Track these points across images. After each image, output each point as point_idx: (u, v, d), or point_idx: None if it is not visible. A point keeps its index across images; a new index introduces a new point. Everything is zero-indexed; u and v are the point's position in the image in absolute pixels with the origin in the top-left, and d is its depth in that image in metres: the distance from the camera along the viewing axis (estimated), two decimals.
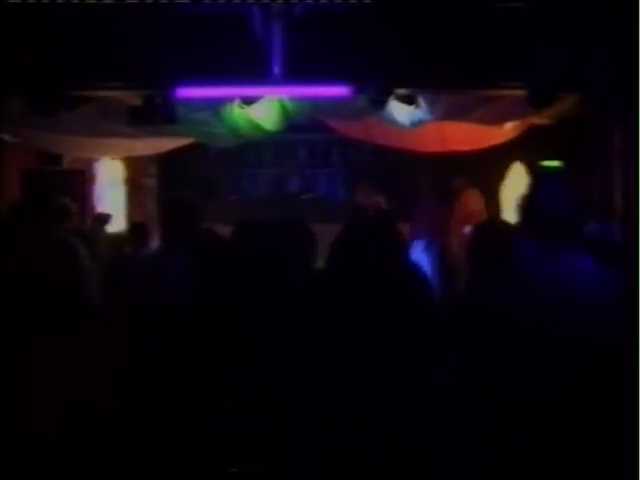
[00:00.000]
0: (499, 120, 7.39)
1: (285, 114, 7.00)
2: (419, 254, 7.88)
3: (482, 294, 3.07)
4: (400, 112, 6.97)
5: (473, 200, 8.30)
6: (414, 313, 2.55)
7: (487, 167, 8.36)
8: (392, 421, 2.16)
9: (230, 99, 6.81)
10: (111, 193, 8.90)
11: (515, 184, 8.36)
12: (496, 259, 3.13)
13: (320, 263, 4.07)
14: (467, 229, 8.19)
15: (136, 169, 9.39)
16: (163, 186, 9.83)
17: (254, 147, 9.66)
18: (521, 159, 8.38)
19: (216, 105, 6.90)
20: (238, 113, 6.94)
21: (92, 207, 8.30)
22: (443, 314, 3.00)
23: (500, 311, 2.90)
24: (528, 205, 3.63)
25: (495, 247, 3.15)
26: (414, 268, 4.05)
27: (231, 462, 2.65)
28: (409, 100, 6.78)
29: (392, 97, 6.66)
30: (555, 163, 7.74)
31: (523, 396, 2.68)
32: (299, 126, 7.73)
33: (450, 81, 6.47)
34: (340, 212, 9.44)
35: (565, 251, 3.27)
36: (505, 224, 3.67)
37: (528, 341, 2.82)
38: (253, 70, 6.26)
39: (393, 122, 7.14)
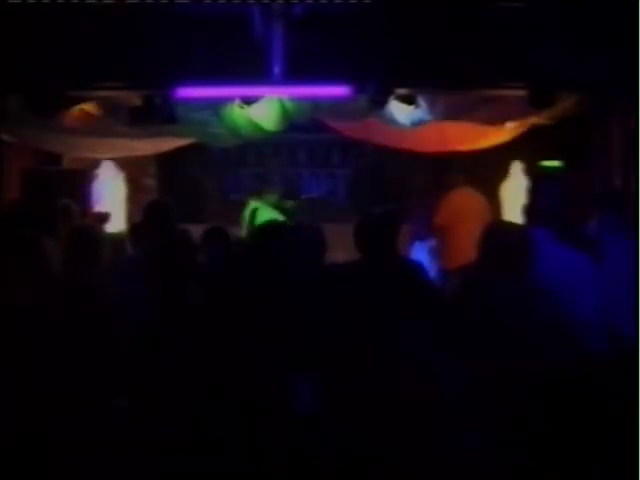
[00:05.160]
0: (499, 120, 7.39)
1: (285, 114, 7.00)
2: (419, 254, 7.87)
3: (499, 293, 3.07)
4: (400, 112, 6.97)
5: (460, 199, 7.84)
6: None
7: (487, 167, 8.35)
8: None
9: (230, 99, 6.81)
10: (111, 193, 8.89)
11: (515, 183, 8.35)
12: (512, 259, 3.11)
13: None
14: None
15: (136, 169, 9.38)
16: (163, 186, 9.83)
17: (254, 147, 9.66)
18: (521, 159, 8.38)
19: (216, 105, 6.90)
20: (238, 113, 6.94)
21: (92, 207, 8.29)
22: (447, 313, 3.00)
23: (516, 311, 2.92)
24: (529, 202, 3.65)
25: (512, 247, 3.14)
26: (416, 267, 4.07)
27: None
28: (409, 100, 6.78)
29: (392, 97, 6.66)
30: (555, 163, 7.74)
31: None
32: (299, 126, 7.72)
33: (450, 81, 6.47)
34: (340, 212, 9.48)
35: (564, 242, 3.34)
36: (518, 225, 3.65)
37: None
38: (253, 70, 6.27)
39: (393, 122, 7.14)
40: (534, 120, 7.29)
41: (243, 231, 7.41)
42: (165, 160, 9.51)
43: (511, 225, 3.70)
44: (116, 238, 6.40)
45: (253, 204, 7.95)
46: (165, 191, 9.60)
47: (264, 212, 7.72)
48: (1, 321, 2.92)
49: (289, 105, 6.92)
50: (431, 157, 8.27)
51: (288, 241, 3.82)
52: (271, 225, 4.19)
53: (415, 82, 6.59)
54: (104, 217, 7.89)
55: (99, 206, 8.45)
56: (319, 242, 3.97)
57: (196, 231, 4.78)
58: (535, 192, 3.98)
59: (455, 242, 7.18)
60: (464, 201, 7.65)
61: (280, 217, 7.38)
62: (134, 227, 5.79)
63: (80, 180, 8.20)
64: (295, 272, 3.68)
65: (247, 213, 7.88)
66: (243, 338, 2.86)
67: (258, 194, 8.16)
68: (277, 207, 7.97)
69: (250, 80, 6.36)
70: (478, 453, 2.18)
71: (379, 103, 6.66)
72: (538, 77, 6.39)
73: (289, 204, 8.33)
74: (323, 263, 3.96)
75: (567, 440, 2.56)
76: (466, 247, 4.13)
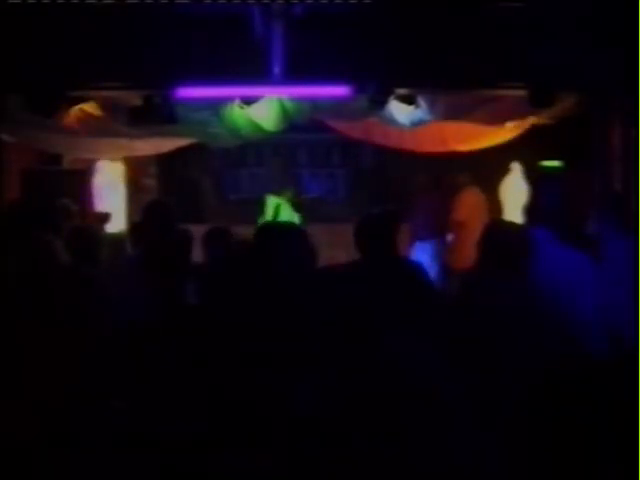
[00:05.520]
0: (499, 120, 7.39)
1: (285, 114, 7.00)
2: (420, 254, 7.88)
3: (499, 292, 3.08)
4: (400, 112, 6.97)
5: (473, 197, 8.26)
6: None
7: (487, 167, 8.36)
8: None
9: (230, 99, 6.81)
10: (111, 193, 8.89)
11: (515, 183, 8.36)
12: (512, 258, 3.13)
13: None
14: (450, 237, 8.21)
15: (136, 169, 9.39)
16: (163, 186, 9.83)
17: (254, 147, 9.66)
18: (521, 159, 8.39)
19: (216, 105, 6.90)
20: (238, 113, 6.94)
21: (92, 207, 8.30)
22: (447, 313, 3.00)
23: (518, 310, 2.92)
24: (529, 202, 3.65)
25: (512, 246, 3.15)
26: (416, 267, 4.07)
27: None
28: (409, 100, 6.78)
29: (392, 97, 6.66)
30: (555, 163, 7.74)
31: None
32: (299, 126, 7.73)
33: (450, 81, 6.47)
34: (340, 212, 9.49)
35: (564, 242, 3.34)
36: (518, 225, 3.68)
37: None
38: (253, 70, 6.26)
39: (393, 122, 7.14)
40: (534, 120, 7.30)
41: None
42: (165, 160, 9.51)
43: (511, 225, 3.71)
44: (116, 238, 6.40)
45: (274, 200, 8.37)
46: (165, 191, 9.61)
47: (285, 208, 8.33)
48: (4, 320, 2.92)
49: (289, 105, 6.92)
50: (431, 157, 8.28)
51: (290, 241, 3.82)
52: (273, 225, 4.19)
53: (415, 82, 6.58)
54: (104, 217, 7.90)
55: (99, 206, 8.45)
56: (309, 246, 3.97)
57: (196, 231, 4.78)
58: (535, 192, 3.99)
59: (469, 240, 7.28)
60: (476, 199, 8.08)
61: (296, 213, 8.23)
62: (134, 227, 5.79)
63: (80, 180, 8.21)
64: (296, 272, 3.68)
65: (270, 209, 8.34)
66: (243, 338, 2.86)
67: (276, 191, 8.62)
68: (293, 203, 8.48)
69: (250, 80, 6.36)
70: (478, 453, 2.18)
71: (379, 103, 6.66)
72: (538, 77, 6.38)
73: (303, 200, 8.85)
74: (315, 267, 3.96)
75: (567, 440, 2.56)
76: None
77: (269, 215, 8.26)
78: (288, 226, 4.21)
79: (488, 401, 2.56)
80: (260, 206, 8.75)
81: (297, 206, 8.50)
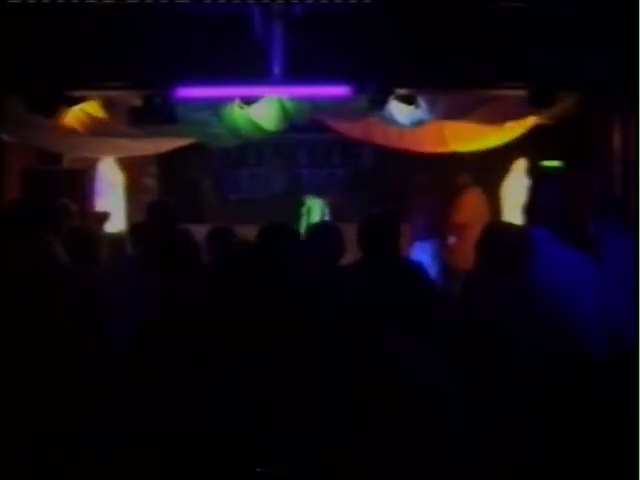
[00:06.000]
0: (499, 120, 7.39)
1: (285, 114, 7.00)
2: (420, 254, 7.88)
3: (499, 293, 3.08)
4: (400, 112, 6.97)
5: (475, 198, 8.31)
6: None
7: (487, 167, 8.37)
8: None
9: (230, 99, 6.81)
10: (111, 193, 8.90)
11: (515, 183, 8.37)
12: (512, 259, 3.14)
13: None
14: (452, 239, 8.26)
15: (136, 169, 9.39)
16: (163, 186, 9.84)
17: (254, 147, 9.68)
18: (521, 159, 8.39)
19: (216, 105, 6.90)
20: (238, 113, 6.94)
21: (92, 207, 8.31)
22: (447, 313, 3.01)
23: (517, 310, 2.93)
24: (529, 202, 3.65)
25: (512, 247, 3.17)
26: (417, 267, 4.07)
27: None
28: (409, 100, 6.78)
29: (392, 97, 6.66)
30: (555, 163, 7.74)
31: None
32: (299, 126, 7.73)
33: (450, 81, 6.47)
34: (340, 212, 9.49)
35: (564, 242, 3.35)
36: (517, 225, 3.70)
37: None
38: (253, 70, 6.26)
39: (393, 122, 7.14)
40: (534, 120, 7.29)
41: (302, 227, 8.16)
42: (165, 160, 9.52)
43: (510, 225, 3.71)
44: (116, 238, 6.40)
45: (317, 202, 9.08)
46: (165, 191, 9.62)
47: (326, 211, 9.15)
48: (4, 320, 2.92)
49: (289, 105, 6.92)
50: (431, 157, 8.28)
51: (293, 241, 3.83)
52: (275, 226, 4.19)
53: (415, 82, 6.58)
54: (104, 217, 7.90)
55: (99, 206, 8.46)
56: (338, 241, 4.08)
57: (196, 231, 4.78)
58: (535, 192, 3.99)
59: (472, 242, 7.31)
60: (478, 200, 8.12)
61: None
62: (134, 227, 5.79)
63: (80, 180, 8.21)
64: (298, 272, 3.69)
65: (315, 210, 9.08)
66: (244, 338, 2.86)
67: (316, 193, 9.33)
68: (329, 205, 9.15)
69: (250, 80, 6.36)
70: (478, 453, 2.18)
71: (379, 103, 6.66)
72: (538, 77, 6.38)
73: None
74: (338, 262, 4.02)
75: (567, 440, 2.56)
76: None
77: (315, 216, 8.84)
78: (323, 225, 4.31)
79: (488, 401, 2.56)
80: (298, 206, 9.10)
81: (331, 209, 9.15)
